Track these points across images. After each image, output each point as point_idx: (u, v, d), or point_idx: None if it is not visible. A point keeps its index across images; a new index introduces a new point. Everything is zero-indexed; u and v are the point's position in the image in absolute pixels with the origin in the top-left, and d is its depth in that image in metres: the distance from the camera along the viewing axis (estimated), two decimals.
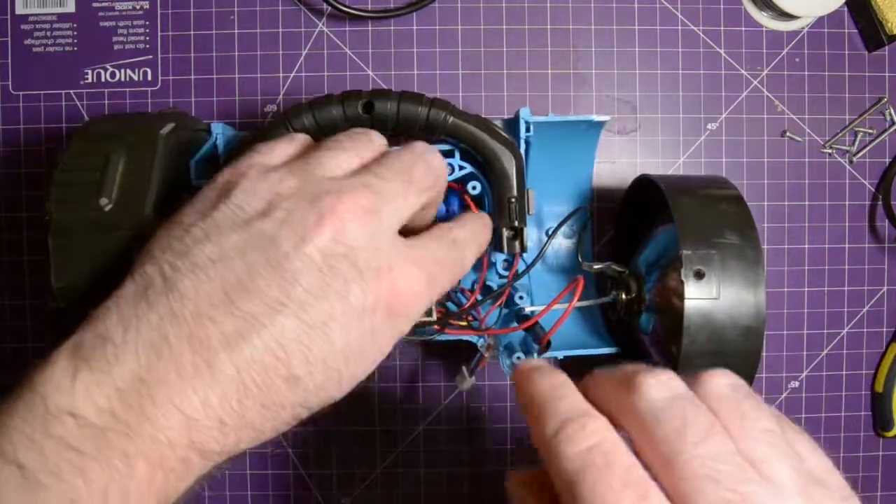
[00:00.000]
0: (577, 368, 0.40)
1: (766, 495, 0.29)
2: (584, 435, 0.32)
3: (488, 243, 0.50)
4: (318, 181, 0.39)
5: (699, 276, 0.47)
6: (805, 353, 0.67)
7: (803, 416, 0.67)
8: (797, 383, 0.67)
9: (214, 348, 0.34)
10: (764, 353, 0.67)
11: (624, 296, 0.55)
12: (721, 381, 0.34)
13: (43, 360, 0.34)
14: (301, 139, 0.44)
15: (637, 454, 0.31)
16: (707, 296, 0.46)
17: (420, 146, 0.44)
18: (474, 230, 0.47)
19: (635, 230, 0.60)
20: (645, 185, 0.56)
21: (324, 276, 0.36)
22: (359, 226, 0.37)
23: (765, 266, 0.47)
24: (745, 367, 0.48)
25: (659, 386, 0.33)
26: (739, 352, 0.47)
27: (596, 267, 0.55)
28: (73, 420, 0.32)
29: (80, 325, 0.35)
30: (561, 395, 0.35)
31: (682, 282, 0.46)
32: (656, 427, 0.31)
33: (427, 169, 0.42)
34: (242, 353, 0.34)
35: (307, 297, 0.35)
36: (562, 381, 0.37)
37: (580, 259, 0.55)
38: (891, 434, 0.67)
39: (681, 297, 0.47)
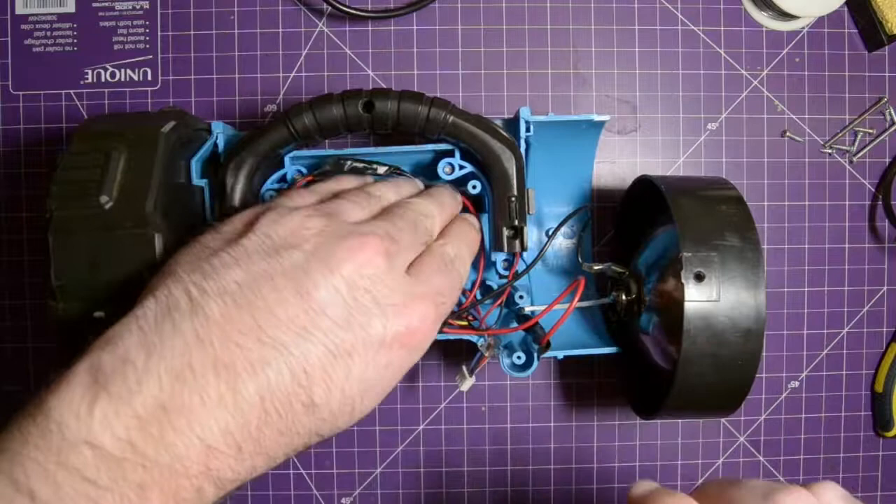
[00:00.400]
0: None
1: None
2: None
3: (479, 243, 0.52)
4: (341, 223, 0.41)
5: (699, 278, 0.47)
6: (805, 353, 0.67)
7: (803, 416, 0.67)
8: (797, 383, 0.67)
9: (240, 375, 0.34)
10: (764, 354, 0.67)
11: (624, 297, 0.55)
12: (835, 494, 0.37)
13: (57, 380, 0.33)
14: (321, 190, 0.48)
15: None
16: (707, 298, 0.46)
17: (420, 206, 0.47)
18: (464, 239, 0.50)
19: (635, 230, 0.60)
20: (645, 186, 0.56)
21: (349, 307, 0.38)
22: (381, 264, 0.39)
23: (765, 268, 0.47)
24: (746, 368, 0.48)
25: None
26: (739, 353, 0.47)
27: (596, 268, 0.55)
28: (89, 450, 0.31)
29: (96, 342, 0.35)
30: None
31: (682, 284, 0.47)
32: None
33: (431, 224, 0.47)
34: (268, 380, 0.35)
35: (333, 326, 0.37)
36: (678, 499, 0.38)
37: (580, 260, 0.55)
38: (891, 434, 0.67)
39: (681, 298, 0.47)
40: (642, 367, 0.58)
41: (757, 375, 0.66)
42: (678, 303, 0.47)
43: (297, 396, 0.36)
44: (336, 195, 0.47)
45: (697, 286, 0.47)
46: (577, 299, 0.50)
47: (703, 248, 0.47)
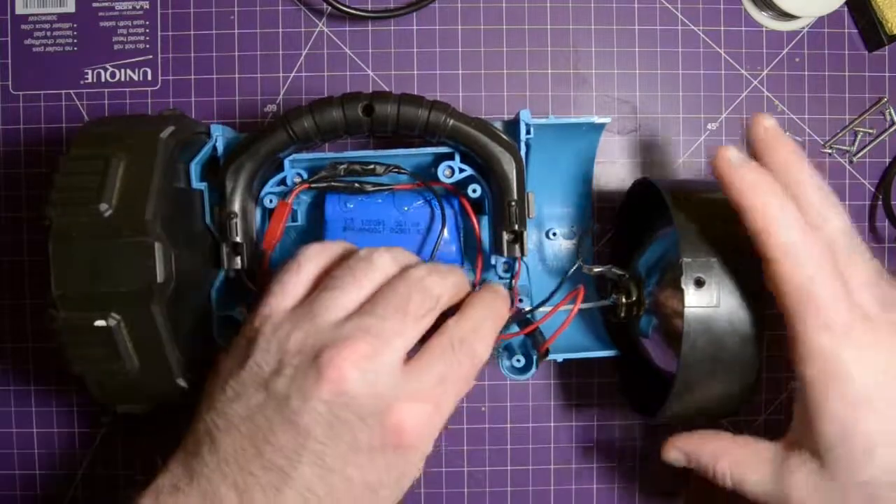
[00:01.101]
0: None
1: None
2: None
3: (506, 313, 0.49)
4: (320, 331, 0.42)
5: (699, 283, 0.47)
6: None
7: None
8: (797, 383, 0.67)
9: (255, 500, 0.39)
10: (764, 353, 0.67)
11: (624, 299, 0.55)
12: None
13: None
14: (308, 273, 0.46)
15: None
16: (707, 304, 0.46)
17: (417, 273, 0.45)
18: (482, 312, 0.47)
19: (635, 231, 0.60)
20: (645, 187, 0.56)
21: (332, 426, 0.40)
22: (358, 375, 0.40)
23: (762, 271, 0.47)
24: (746, 372, 0.48)
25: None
26: (739, 358, 0.47)
27: (596, 270, 0.55)
28: None
29: (159, 469, 0.42)
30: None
31: (681, 290, 0.47)
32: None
33: (424, 298, 0.44)
34: (283, 502, 0.39)
35: (321, 446, 0.39)
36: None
37: (580, 262, 0.55)
38: None
39: (680, 303, 0.47)
40: (642, 368, 0.58)
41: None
42: (678, 307, 0.47)
43: None
44: (329, 271, 0.46)
45: (697, 292, 0.47)
46: (576, 308, 0.50)
47: (703, 253, 0.47)
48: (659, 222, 0.55)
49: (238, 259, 0.53)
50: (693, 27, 0.66)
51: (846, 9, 0.66)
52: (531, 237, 0.61)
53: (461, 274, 0.48)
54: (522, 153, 0.53)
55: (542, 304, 0.52)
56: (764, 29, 0.66)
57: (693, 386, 0.48)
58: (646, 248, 0.56)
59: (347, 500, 0.40)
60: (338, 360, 0.39)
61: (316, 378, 0.39)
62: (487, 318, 0.46)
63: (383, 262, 0.45)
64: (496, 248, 0.54)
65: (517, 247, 0.53)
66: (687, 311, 0.46)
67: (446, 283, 0.45)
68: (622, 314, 0.55)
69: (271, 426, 0.40)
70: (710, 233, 0.48)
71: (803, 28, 0.66)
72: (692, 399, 0.49)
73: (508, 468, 0.66)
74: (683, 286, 0.46)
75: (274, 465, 0.39)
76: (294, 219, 0.58)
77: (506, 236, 0.53)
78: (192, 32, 0.65)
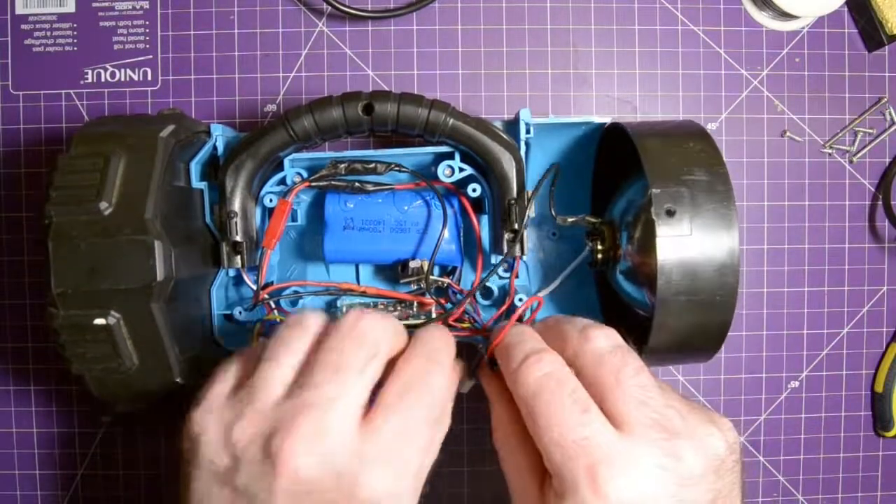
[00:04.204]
0: None
1: (677, 417, 0.40)
2: (541, 365, 0.42)
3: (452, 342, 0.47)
4: (264, 416, 0.40)
5: (670, 213, 0.46)
6: (805, 353, 0.67)
7: (803, 416, 0.67)
8: (797, 383, 0.67)
9: None
10: (764, 353, 0.67)
11: (599, 245, 0.54)
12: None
13: None
14: (245, 355, 0.45)
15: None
16: (679, 233, 0.46)
17: (347, 321, 0.43)
18: (431, 348, 0.45)
19: (610, 183, 0.59)
20: (617, 137, 0.55)
21: None
22: (312, 459, 0.38)
23: (735, 200, 0.46)
24: (724, 304, 0.47)
25: (605, 337, 0.44)
26: (716, 288, 0.47)
27: (570, 220, 0.54)
28: None
29: None
30: (524, 339, 0.45)
31: (653, 221, 0.46)
32: (602, 364, 0.42)
33: (360, 346, 0.42)
34: None
35: None
36: (524, 329, 0.47)
37: (553, 213, 0.54)
38: (891, 434, 0.67)
39: (653, 237, 0.46)
40: (625, 318, 0.58)
41: (757, 375, 0.66)
42: (651, 241, 0.46)
43: None
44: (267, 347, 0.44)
45: (669, 222, 0.46)
46: (534, 315, 0.52)
47: (672, 183, 0.47)
48: (632, 169, 0.54)
49: (238, 258, 0.53)
50: (693, 27, 0.66)
51: (846, 9, 0.66)
52: (531, 236, 0.61)
53: (395, 319, 0.45)
54: (522, 153, 0.53)
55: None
56: (764, 29, 0.66)
57: (672, 320, 0.48)
58: (619, 195, 0.55)
59: None
60: (287, 448, 0.37)
61: (273, 471, 0.38)
62: (437, 348, 0.45)
63: (311, 321, 0.44)
64: (496, 247, 0.54)
65: (517, 246, 0.53)
66: (659, 241, 0.45)
67: (382, 324, 0.43)
68: (599, 263, 0.55)
69: None
70: (678, 164, 0.47)
71: (803, 28, 0.66)
72: (673, 335, 0.49)
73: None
74: (654, 217, 0.46)
75: None
76: (294, 218, 0.58)
77: (506, 235, 0.53)
78: (192, 32, 0.65)
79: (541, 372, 0.42)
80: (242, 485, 0.38)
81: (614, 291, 0.57)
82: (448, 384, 0.44)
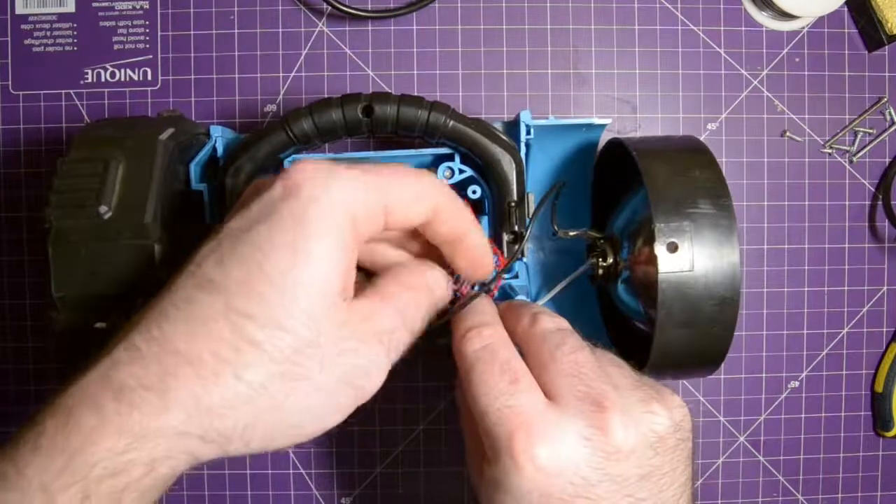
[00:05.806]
0: None
1: (612, 391, 0.40)
2: (481, 339, 0.43)
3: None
4: None
5: (672, 248, 0.46)
6: (805, 353, 0.67)
7: (803, 416, 0.67)
8: (797, 383, 0.67)
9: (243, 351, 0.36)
10: (764, 353, 0.67)
11: (601, 262, 0.55)
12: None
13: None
14: None
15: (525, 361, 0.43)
16: (681, 268, 0.46)
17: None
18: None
19: (610, 194, 0.59)
20: (618, 148, 0.55)
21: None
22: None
23: (737, 233, 0.46)
24: (722, 335, 0.48)
25: (552, 321, 0.45)
26: (716, 321, 0.47)
27: (572, 234, 0.54)
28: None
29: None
30: (475, 313, 0.46)
31: (655, 255, 0.46)
32: (543, 342, 0.43)
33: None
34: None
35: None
36: (483, 305, 0.47)
37: (555, 227, 0.54)
38: (891, 434, 0.67)
39: (655, 267, 0.46)
40: (625, 330, 0.58)
41: (757, 375, 0.66)
42: (652, 271, 0.47)
43: None
44: None
45: (670, 257, 0.46)
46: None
47: (676, 217, 0.47)
48: (633, 182, 0.54)
49: None
50: (693, 27, 0.66)
51: (846, 9, 0.66)
52: (531, 236, 0.61)
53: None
54: (522, 154, 0.53)
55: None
56: (764, 29, 0.66)
57: (671, 348, 0.48)
58: (620, 210, 0.55)
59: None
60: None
61: None
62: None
63: None
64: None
65: (517, 247, 0.53)
66: (661, 276, 0.46)
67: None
68: (601, 278, 0.55)
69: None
70: (682, 196, 0.47)
71: (803, 28, 0.66)
72: (671, 360, 0.49)
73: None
74: (656, 252, 0.46)
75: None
76: None
77: (506, 237, 0.53)
78: (192, 32, 0.65)
79: (480, 344, 0.43)
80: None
81: (610, 300, 0.57)
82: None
